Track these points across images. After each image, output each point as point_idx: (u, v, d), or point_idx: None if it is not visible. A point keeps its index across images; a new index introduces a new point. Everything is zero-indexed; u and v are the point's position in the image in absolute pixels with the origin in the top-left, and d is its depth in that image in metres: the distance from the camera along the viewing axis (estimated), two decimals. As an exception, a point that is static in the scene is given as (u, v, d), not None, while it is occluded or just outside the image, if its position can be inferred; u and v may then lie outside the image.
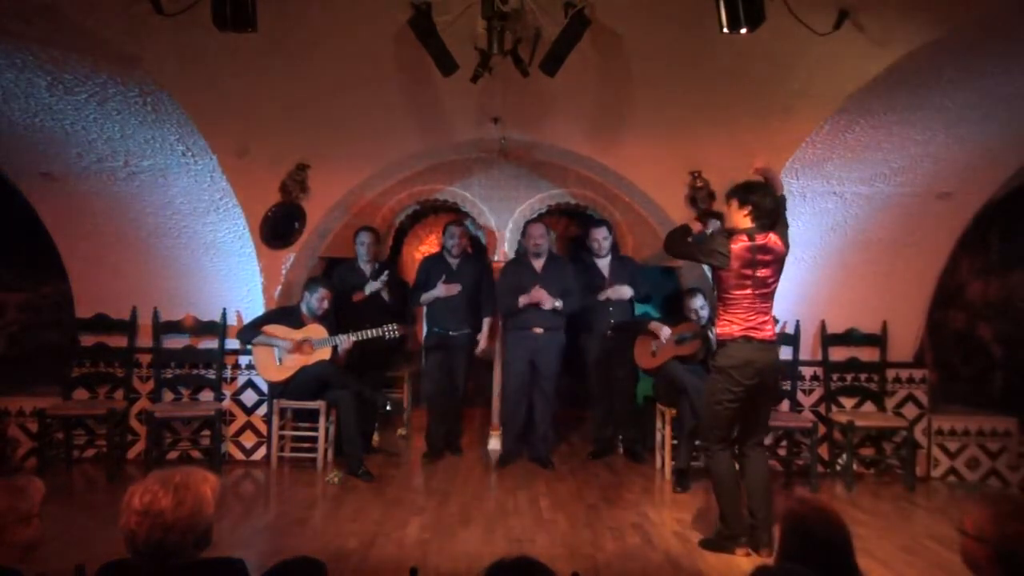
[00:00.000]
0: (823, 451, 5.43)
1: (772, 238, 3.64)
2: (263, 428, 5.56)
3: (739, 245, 3.60)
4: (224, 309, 5.53)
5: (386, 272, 5.58)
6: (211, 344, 5.56)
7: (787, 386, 5.49)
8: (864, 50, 3.71)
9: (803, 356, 5.58)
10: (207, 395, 5.56)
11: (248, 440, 5.57)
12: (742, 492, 3.79)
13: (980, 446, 5.45)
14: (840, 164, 4.71)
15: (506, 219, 5.98)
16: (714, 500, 3.95)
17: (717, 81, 4.39)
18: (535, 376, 5.47)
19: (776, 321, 3.92)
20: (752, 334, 3.65)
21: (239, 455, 5.55)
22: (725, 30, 3.27)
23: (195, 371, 5.56)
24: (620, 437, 5.91)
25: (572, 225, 7.71)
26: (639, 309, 6.17)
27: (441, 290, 5.52)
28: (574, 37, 3.69)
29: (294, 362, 5.19)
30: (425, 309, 5.80)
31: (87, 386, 5.48)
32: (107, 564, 1.90)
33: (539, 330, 5.41)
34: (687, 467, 5.00)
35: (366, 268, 5.70)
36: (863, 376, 5.59)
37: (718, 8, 3.24)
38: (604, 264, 5.71)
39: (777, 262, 3.68)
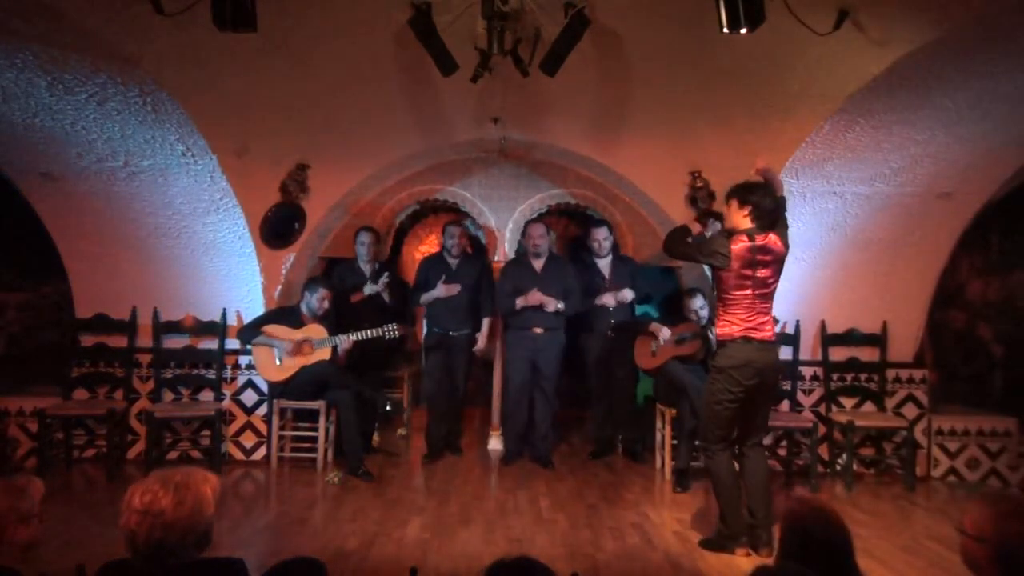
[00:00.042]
0: (823, 451, 5.43)
1: (772, 238, 3.65)
2: (263, 428, 5.56)
3: (739, 245, 3.60)
4: (224, 309, 5.53)
5: (386, 274, 5.57)
6: (211, 344, 5.56)
7: (787, 386, 5.49)
8: (864, 50, 3.71)
9: (803, 356, 5.58)
10: (207, 395, 5.56)
11: (248, 440, 5.57)
12: (742, 492, 3.79)
13: (980, 446, 5.46)
14: (840, 164, 4.71)
15: (506, 219, 5.98)
16: (714, 500, 3.95)
17: (717, 81, 4.38)
18: (535, 376, 5.47)
19: (776, 321, 3.92)
20: (752, 334, 3.65)
21: (239, 455, 5.55)
22: (725, 30, 3.27)
23: (195, 371, 5.56)
24: (620, 437, 5.91)
25: (572, 225, 7.71)
26: (639, 309, 6.17)
27: (441, 290, 5.52)
28: (574, 37, 3.69)
29: (294, 362, 5.19)
30: (425, 309, 5.79)
31: (87, 386, 5.48)
32: (107, 564, 1.90)
33: (539, 330, 5.41)
34: (687, 467, 5.00)
35: (366, 268, 5.69)
36: (863, 376, 5.59)
37: (718, 8, 3.24)
38: (604, 264, 5.71)
39: (777, 262, 3.68)
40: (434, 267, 5.69)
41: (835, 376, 5.58)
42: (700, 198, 5.23)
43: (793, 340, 5.51)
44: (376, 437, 6.04)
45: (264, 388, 5.53)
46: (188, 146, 4.59)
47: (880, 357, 5.56)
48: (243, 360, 5.56)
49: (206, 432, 5.48)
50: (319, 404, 5.29)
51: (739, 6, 3.20)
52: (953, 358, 6.08)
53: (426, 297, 5.62)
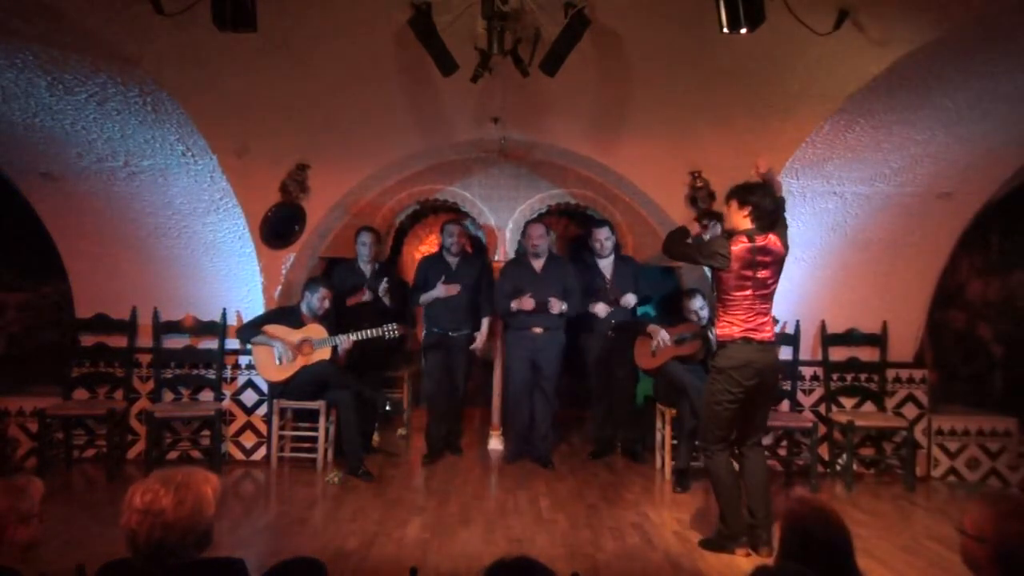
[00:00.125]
0: (823, 451, 5.43)
1: (772, 239, 3.65)
2: (263, 428, 5.56)
3: (739, 246, 3.60)
4: (224, 309, 5.53)
5: (386, 279, 5.57)
6: (211, 344, 5.56)
7: (787, 386, 5.49)
8: (864, 50, 3.71)
9: (803, 356, 5.58)
10: (207, 395, 5.56)
11: (248, 440, 5.57)
12: (741, 492, 3.79)
13: (980, 446, 5.46)
14: (840, 164, 4.71)
15: (506, 219, 5.98)
16: (714, 500, 3.95)
17: (717, 81, 4.39)
18: (535, 376, 5.47)
19: (776, 321, 3.92)
20: (752, 335, 3.65)
21: (239, 455, 5.55)
22: (725, 30, 3.27)
23: (195, 371, 5.56)
24: (620, 437, 5.91)
25: (572, 225, 7.70)
26: (639, 310, 6.17)
27: (441, 290, 5.50)
28: (574, 37, 3.69)
29: (294, 362, 5.19)
30: (424, 309, 5.78)
31: (87, 386, 5.48)
32: (107, 564, 1.90)
33: (539, 330, 5.41)
34: (687, 467, 5.00)
35: (366, 268, 5.69)
36: (863, 376, 5.59)
37: (718, 8, 3.24)
38: (606, 265, 5.70)
39: (777, 263, 3.68)
40: (433, 267, 5.69)
41: (835, 376, 5.58)
42: (700, 198, 5.23)
43: (793, 340, 5.51)
44: (376, 437, 6.04)
45: (264, 388, 5.53)
46: (188, 146, 4.59)
47: (880, 357, 5.56)
48: (243, 360, 5.57)
49: (206, 432, 5.48)
50: (319, 404, 5.29)
51: (739, 6, 3.21)
52: (953, 358, 6.08)
53: (425, 297, 5.61)
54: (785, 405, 5.52)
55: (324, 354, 5.22)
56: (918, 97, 4.05)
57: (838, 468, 5.39)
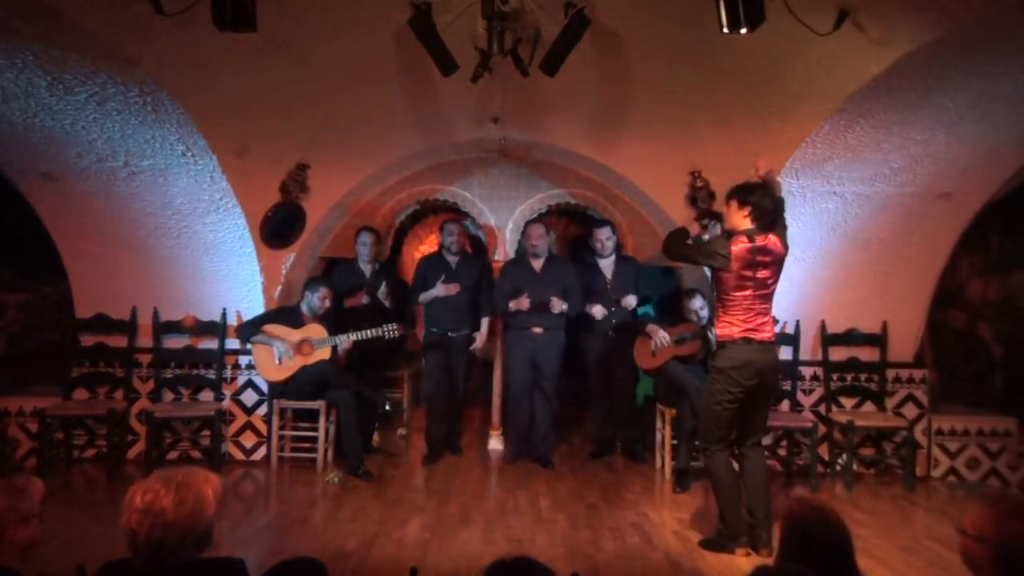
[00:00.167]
0: (823, 451, 5.43)
1: (772, 239, 3.65)
2: (263, 428, 5.56)
3: (739, 247, 3.60)
4: (224, 309, 5.53)
5: (385, 284, 5.56)
6: (211, 344, 5.56)
7: (787, 386, 5.49)
8: (864, 50, 3.71)
9: (803, 356, 5.58)
10: (207, 395, 5.56)
11: (248, 440, 5.57)
12: (741, 492, 3.79)
13: (980, 446, 5.46)
14: (840, 164, 4.71)
15: (506, 219, 5.98)
16: (714, 500, 3.95)
17: (717, 81, 4.39)
18: (535, 376, 5.47)
19: (776, 321, 3.92)
20: (752, 335, 3.65)
21: (239, 455, 5.55)
22: (725, 30, 3.27)
23: (195, 371, 5.56)
24: (620, 437, 5.91)
25: (572, 225, 7.70)
26: (640, 310, 6.16)
27: (440, 289, 5.50)
28: (574, 37, 3.69)
29: (294, 362, 5.19)
30: (424, 309, 5.77)
31: (87, 386, 5.48)
32: (107, 564, 1.90)
33: (538, 330, 5.41)
34: (687, 467, 5.00)
35: (366, 268, 5.70)
36: (863, 376, 5.59)
37: (718, 8, 3.24)
38: (607, 264, 5.69)
39: (777, 263, 3.68)
40: (433, 266, 5.68)
41: (835, 376, 5.58)
42: (700, 198, 5.23)
43: (793, 340, 5.51)
44: (376, 437, 6.04)
45: (264, 388, 5.53)
46: (188, 146, 4.59)
47: (880, 357, 5.56)
48: (243, 360, 5.57)
49: (206, 432, 5.48)
50: (319, 404, 5.29)
51: (739, 6, 3.20)
52: (953, 358, 6.08)
53: (425, 296, 5.60)
54: (785, 405, 5.52)
55: (324, 354, 5.22)
56: (918, 97, 4.05)
57: (838, 468, 5.39)
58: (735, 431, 3.80)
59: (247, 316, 5.47)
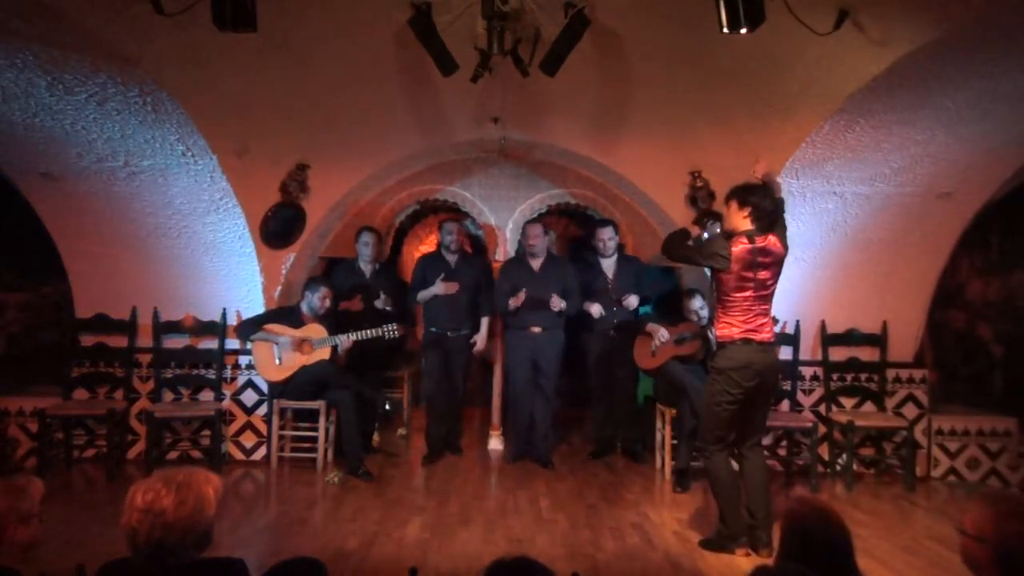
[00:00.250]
0: (823, 451, 5.42)
1: (772, 240, 3.65)
2: (263, 428, 5.56)
3: (740, 247, 3.60)
4: (224, 309, 5.53)
5: (383, 293, 5.55)
6: (211, 344, 5.56)
7: (787, 386, 5.49)
8: (864, 50, 3.71)
9: (803, 356, 5.58)
10: (207, 395, 5.56)
11: (248, 440, 5.57)
12: (741, 492, 3.79)
13: (980, 446, 5.46)
14: (840, 164, 4.71)
15: (506, 219, 5.98)
16: (714, 500, 3.95)
17: (717, 81, 4.38)
18: (535, 376, 5.47)
19: (776, 321, 3.92)
20: (752, 336, 3.65)
21: (239, 455, 5.55)
22: (725, 30, 3.27)
23: (195, 371, 5.56)
24: (620, 437, 5.91)
25: (572, 225, 7.70)
26: (640, 310, 6.16)
27: (440, 287, 5.48)
28: (574, 37, 3.69)
29: (294, 362, 5.19)
30: (423, 309, 5.77)
31: (87, 386, 5.48)
32: (107, 564, 1.90)
33: (537, 329, 5.41)
34: (687, 467, 5.00)
35: (367, 268, 5.69)
36: (863, 376, 5.59)
37: (718, 8, 3.24)
38: (608, 264, 5.69)
39: (777, 264, 3.68)
40: (432, 265, 5.67)
41: (835, 376, 5.58)
42: (700, 198, 5.23)
43: (793, 340, 5.51)
44: (376, 437, 6.04)
45: (264, 388, 5.53)
46: (188, 146, 4.59)
47: (880, 357, 5.56)
48: (243, 360, 5.57)
49: (206, 432, 5.48)
50: (319, 404, 5.29)
51: (739, 6, 3.20)
52: (953, 358, 6.08)
53: (424, 294, 5.59)
54: (785, 405, 5.52)
55: (324, 354, 5.21)
56: (918, 97, 4.05)
57: (838, 468, 5.39)
58: (735, 432, 3.80)
59: (247, 316, 5.47)
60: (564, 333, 5.55)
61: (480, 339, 5.65)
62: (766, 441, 4.98)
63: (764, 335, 3.67)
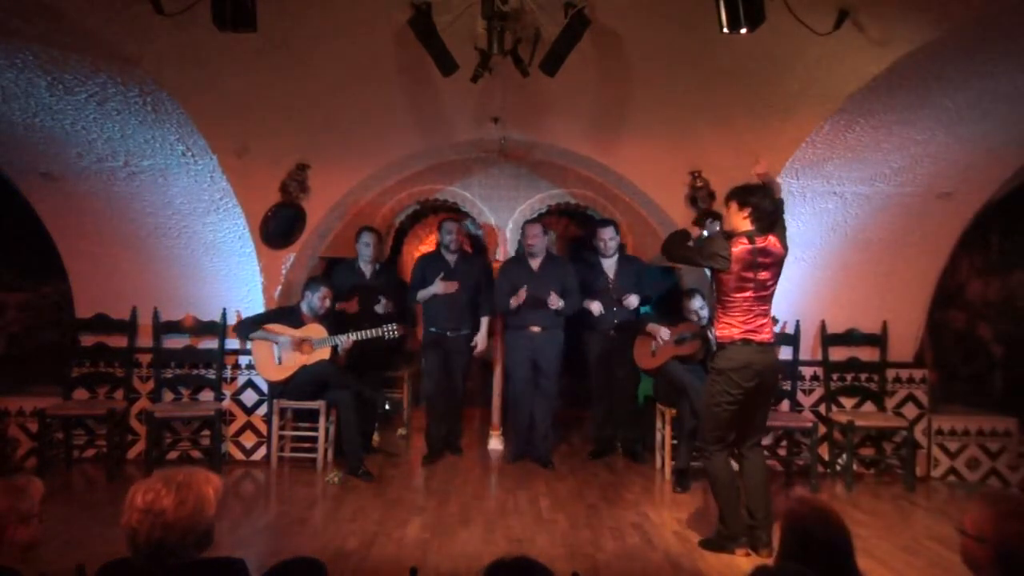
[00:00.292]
0: (823, 451, 5.42)
1: (772, 240, 3.65)
2: (263, 428, 5.55)
3: (740, 248, 3.60)
4: (224, 309, 5.53)
5: (383, 298, 5.55)
6: (211, 344, 5.56)
7: (787, 386, 5.49)
8: (864, 50, 3.71)
9: (803, 356, 5.58)
10: (207, 395, 5.56)
11: (248, 440, 5.57)
12: (740, 492, 3.79)
13: (980, 446, 5.46)
14: (840, 164, 4.71)
15: (506, 219, 5.99)
16: (714, 500, 3.95)
17: (717, 81, 4.39)
18: (535, 375, 5.47)
19: (776, 321, 3.92)
20: (751, 336, 3.65)
21: (239, 455, 5.55)
22: (725, 30, 3.27)
23: (195, 371, 5.56)
24: (620, 437, 5.90)
25: (572, 225, 7.70)
26: (641, 309, 6.16)
27: (439, 287, 5.46)
28: (574, 37, 3.69)
29: (294, 361, 5.19)
30: (423, 308, 5.77)
31: (87, 386, 5.48)
32: (107, 564, 1.90)
33: (537, 329, 5.41)
34: (687, 467, 5.00)
35: (367, 269, 5.69)
36: (863, 376, 5.59)
37: (718, 8, 3.24)
38: (609, 264, 5.68)
39: (777, 264, 3.68)
40: (431, 264, 5.67)
41: (835, 376, 5.58)
42: (700, 198, 5.23)
43: (793, 340, 5.51)
44: (376, 437, 6.04)
45: (264, 388, 5.53)
46: (188, 146, 4.59)
47: (880, 357, 5.56)
48: (243, 360, 5.57)
49: (206, 432, 5.48)
50: (319, 404, 5.29)
51: (739, 6, 3.21)
52: (953, 358, 6.08)
53: (423, 293, 5.57)
54: (785, 405, 5.52)
55: (324, 354, 5.21)
56: (918, 97, 4.05)
57: (838, 468, 5.39)
58: (735, 432, 3.80)
59: (247, 316, 5.47)
60: (564, 333, 5.55)
61: (480, 339, 5.65)
62: (766, 441, 4.98)
63: (764, 335, 3.67)
